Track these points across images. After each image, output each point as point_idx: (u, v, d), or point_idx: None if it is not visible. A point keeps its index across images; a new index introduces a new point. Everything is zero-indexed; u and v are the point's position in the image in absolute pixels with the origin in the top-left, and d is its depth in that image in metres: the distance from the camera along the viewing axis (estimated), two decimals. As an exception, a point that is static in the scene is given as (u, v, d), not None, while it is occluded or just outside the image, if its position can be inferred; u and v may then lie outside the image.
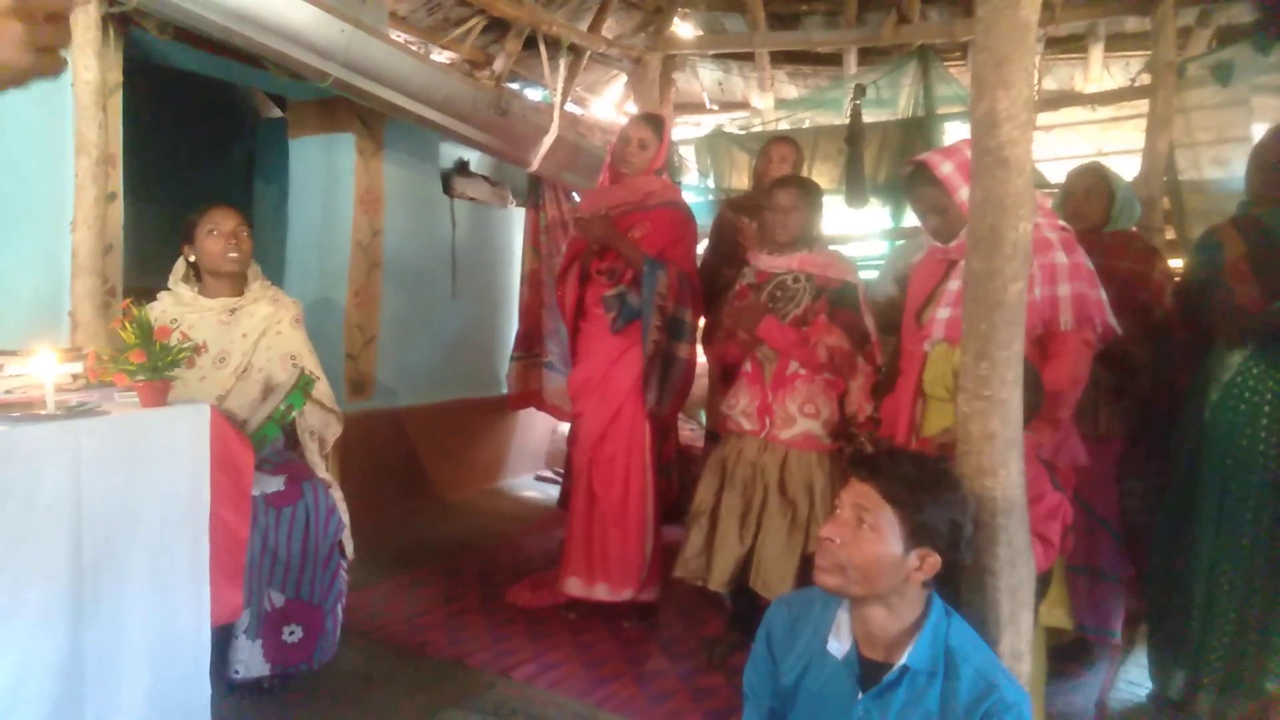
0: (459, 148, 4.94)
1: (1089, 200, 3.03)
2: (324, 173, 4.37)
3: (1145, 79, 4.15)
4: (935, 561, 1.59)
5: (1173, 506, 2.74)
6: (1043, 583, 2.16)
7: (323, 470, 2.70)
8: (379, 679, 2.80)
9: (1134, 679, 2.97)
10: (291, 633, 2.51)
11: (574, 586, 3.31)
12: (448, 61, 4.49)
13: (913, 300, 2.52)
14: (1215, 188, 3.95)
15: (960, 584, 1.91)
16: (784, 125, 5.19)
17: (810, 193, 3.05)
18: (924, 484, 1.59)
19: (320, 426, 2.75)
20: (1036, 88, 4.60)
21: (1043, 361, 2.32)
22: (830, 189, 4.88)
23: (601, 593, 3.28)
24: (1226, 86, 3.89)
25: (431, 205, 4.87)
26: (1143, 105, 4.05)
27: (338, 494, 2.68)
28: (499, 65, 4.45)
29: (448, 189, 4.97)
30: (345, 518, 2.68)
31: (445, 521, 4.66)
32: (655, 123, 3.44)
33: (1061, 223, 2.34)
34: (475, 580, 3.76)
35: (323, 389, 2.75)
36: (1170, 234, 4.05)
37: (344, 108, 4.16)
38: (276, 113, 5.21)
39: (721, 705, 2.69)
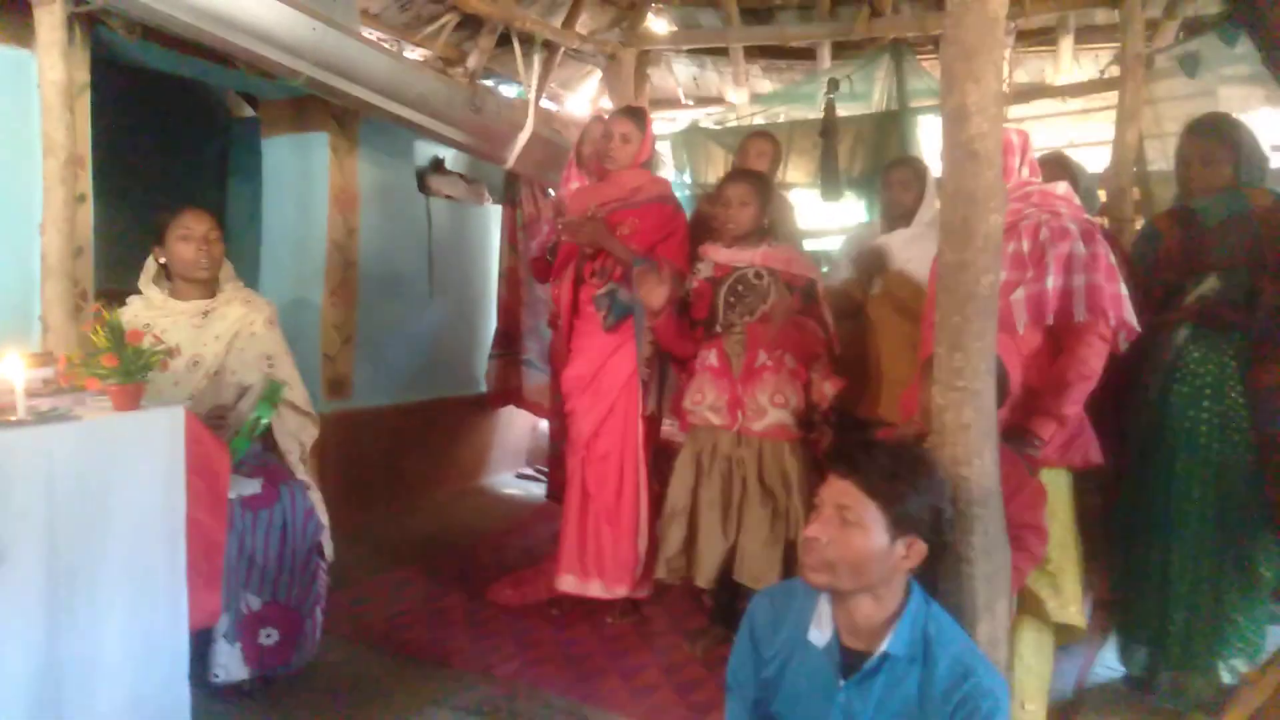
0: (434, 145, 4.92)
1: None
2: (298, 172, 4.34)
3: (1114, 71, 4.18)
4: (921, 548, 1.61)
5: (1127, 488, 2.80)
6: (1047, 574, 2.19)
7: (301, 472, 2.69)
8: (361, 679, 2.79)
9: (1110, 663, 3.01)
10: (270, 635, 2.50)
11: (568, 584, 3.30)
12: (421, 59, 4.46)
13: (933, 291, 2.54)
14: (1183, 178, 3.99)
15: (938, 572, 1.94)
16: (759, 120, 5.19)
17: (761, 186, 3.07)
18: (902, 473, 1.60)
19: (297, 429, 2.73)
20: (1007, 81, 4.65)
21: (1055, 354, 2.34)
22: (805, 183, 4.91)
23: (595, 590, 3.27)
24: (1194, 78, 3.93)
25: (407, 203, 4.84)
26: (1112, 97, 4.08)
27: (316, 495, 2.67)
28: (473, 62, 4.43)
29: (423, 187, 4.95)
30: (324, 519, 2.67)
31: (426, 521, 4.65)
32: (637, 115, 3.43)
33: (1089, 216, 2.35)
34: (457, 579, 3.75)
35: (299, 392, 2.73)
36: (1140, 224, 4.09)
37: (317, 106, 4.13)
38: (249, 112, 5.16)
39: (706, 698, 2.70)
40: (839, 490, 1.60)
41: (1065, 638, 2.41)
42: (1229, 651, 2.60)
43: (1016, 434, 2.27)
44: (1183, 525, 2.63)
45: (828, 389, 2.95)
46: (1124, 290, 2.29)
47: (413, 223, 4.88)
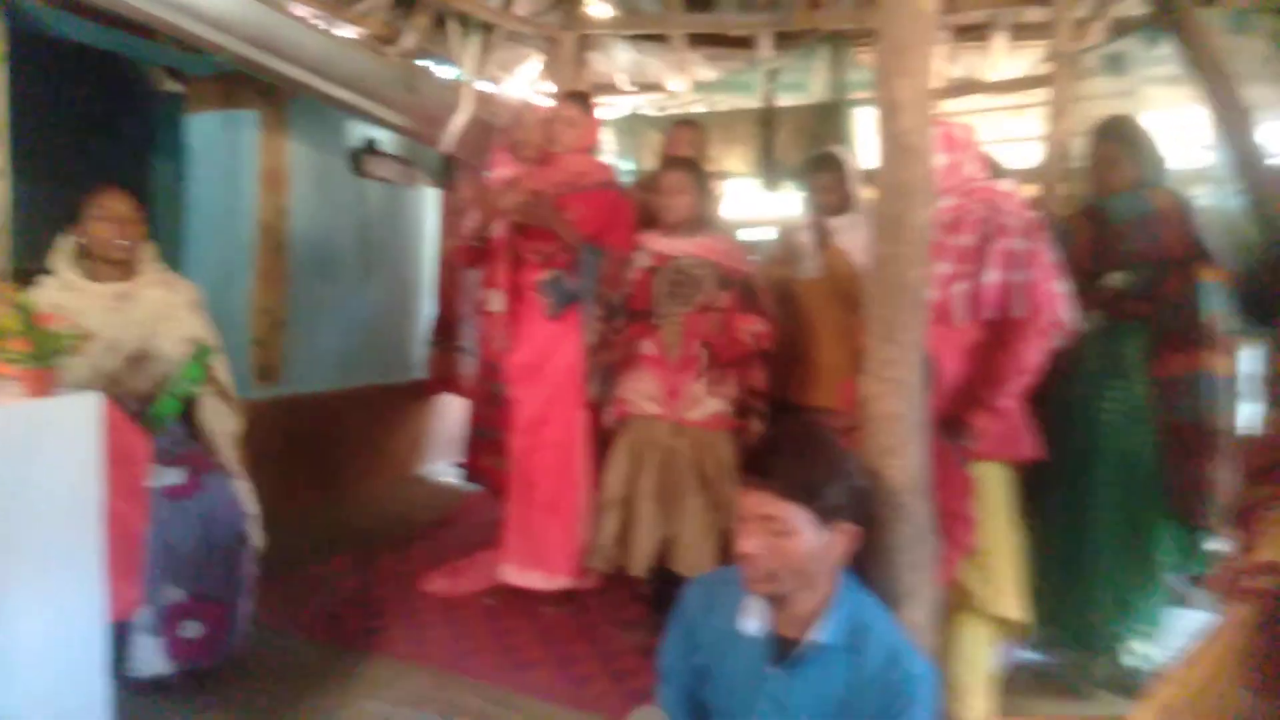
0: (368, 126, 4.81)
1: None
2: (225, 150, 4.21)
3: (1044, 68, 4.27)
4: (852, 529, 1.62)
5: (1042, 475, 2.89)
6: (972, 559, 2.23)
7: (226, 460, 2.61)
8: (291, 672, 2.73)
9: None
10: (193, 628, 2.43)
11: (509, 574, 3.27)
12: (354, 37, 4.35)
13: None
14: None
15: (867, 560, 1.96)
16: (700, 108, 5.19)
17: (697, 175, 3.07)
18: (816, 468, 1.59)
19: (222, 416, 2.65)
20: (943, 75, 4.73)
21: (993, 348, 2.38)
22: (745, 172, 4.93)
23: (536, 580, 3.25)
24: (1119, 77, 4.05)
25: (340, 185, 4.74)
26: (1044, 94, 4.17)
27: (242, 484, 2.61)
28: (408, 41, 4.33)
29: (357, 169, 4.85)
30: (251, 509, 2.60)
31: (360, 510, 4.58)
32: (584, 100, 3.40)
33: (1032, 212, 2.41)
34: (391, 569, 3.71)
35: (224, 374, 2.65)
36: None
37: (245, 83, 4.01)
38: (176, 87, 4.97)
39: (642, 686, 2.69)
40: (758, 501, 1.57)
41: (1009, 631, 2.45)
42: (1129, 633, 2.71)
43: (952, 424, 2.31)
44: (1088, 510, 2.74)
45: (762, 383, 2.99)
46: (1062, 288, 2.35)
47: (346, 205, 4.78)
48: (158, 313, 2.60)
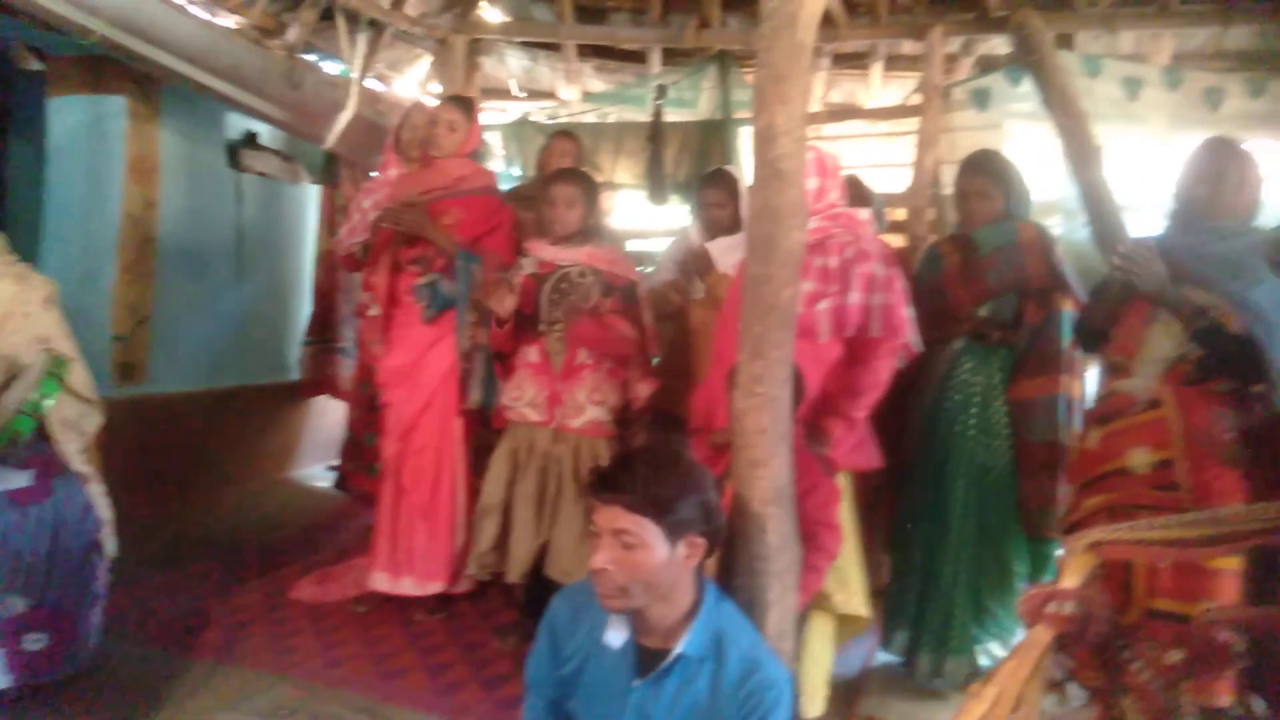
0: (248, 119, 4.65)
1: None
2: (89, 136, 4.01)
3: (917, 99, 4.50)
4: (700, 543, 1.66)
5: (903, 487, 3.05)
6: (835, 569, 2.34)
7: (79, 463, 2.48)
8: (142, 685, 2.61)
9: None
10: (37, 640, 2.29)
11: (380, 581, 3.22)
12: (235, 27, 4.21)
13: (734, 295, 2.65)
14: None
15: (731, 570, 2.04)
16: (590, 118, 5.24)
17: (588, 186, 3.11)
18: (666, 483, 1.63)
19: (76, 417, 2.52)
20: (822, 101, 4.91)
21: (850, 364, 2.51)
22: (633, 184, 4.99)
23: (407, 587, 3.20)
24: (984, 111, 4.30)
25: (215, 178, 4.57)
26: (915, 123, 4.39)
27: (97, 488, 2.48)
28: (293, 35, 4.22)
29: (234, 162, 4.68)
30: (105, 514, 2.48)
31: (228, 514, 4.42)
32: (466, 105, 3.39)
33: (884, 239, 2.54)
34: (258, 575, 3.60)
35: (80, 376, 2.53)
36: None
37: (114, 67, 3.83)
38: (38, 64, 4.70)
39: (512, 694, 2.68)
40: (611, 516, 1.60)
41: (851, 628, 2.58)
42: (984, 636, 2.89)
43: (810, 430, 2.42)
44: (947, 521, 2.90)
45: (642, 390, 3.05)
46: (911, 314, 2.51)
47: (221, 199, 4.61)
48: (9, 310, 2.45)
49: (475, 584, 3.30)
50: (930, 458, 2.96)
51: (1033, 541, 2.91)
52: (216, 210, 4.58)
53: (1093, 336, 2.60)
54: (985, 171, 2.99)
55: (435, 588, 3.21)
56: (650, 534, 1.59)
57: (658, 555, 1.59)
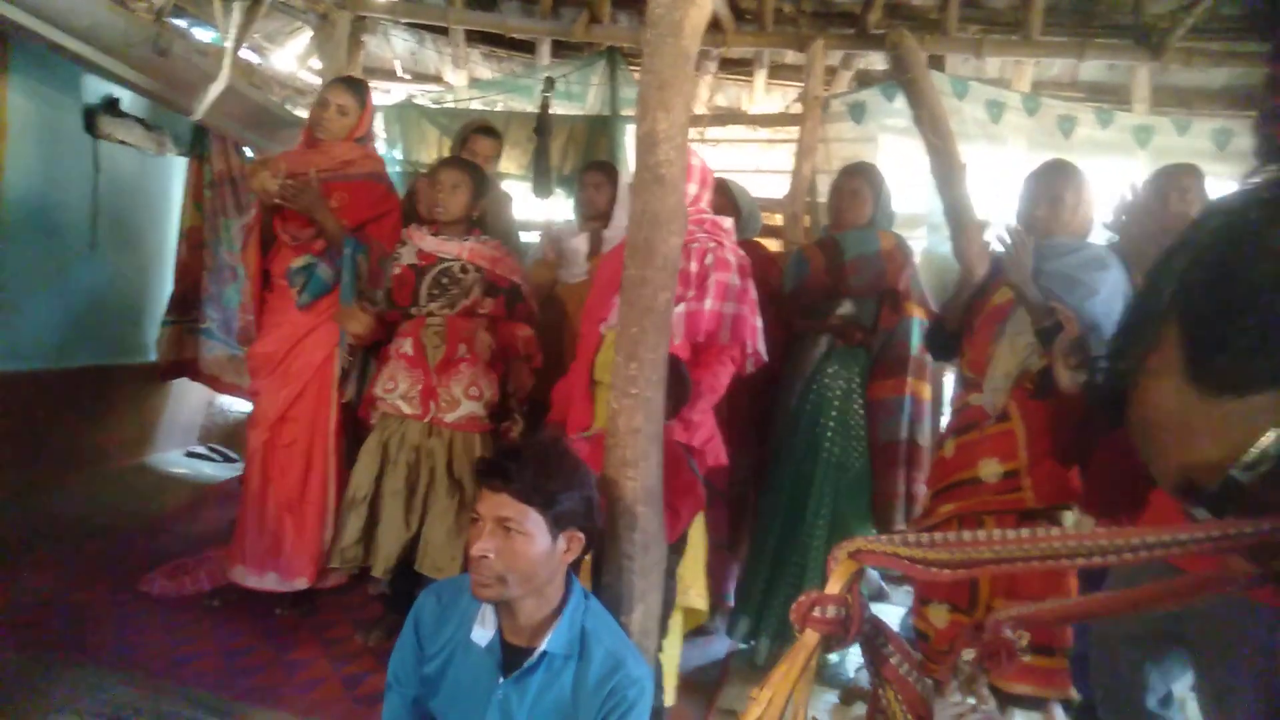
0: (109, 84, 4.38)
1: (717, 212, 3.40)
2: (-76, 93, 3.70)
3: (798, 108, 4.63)
4: (580, 538, 1.69)
5: (766, 479, 3.18)
6: (674, 551, 2.39)
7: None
8: (-29, 684, 2.46)
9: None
10: None
11: (242, 576, 3.10)
12: (97, -15, 3.96)
13: (596, 289, 2.68)
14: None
15: (599, 567, 2.07)
16: (476, 104, 5.17)
17: (476, 175, 3.09)
18: (553, 475, 1.66)
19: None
20: (707, 104, 5.00)
21: (692, 367, 2.56)
22: (518, 175, 4.96)
23: (271, 582, 3.10)
24: (860, 124, 4.47)
25: (70, 145, 4.29)
26: (794, 132, 4.52)
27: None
28: (161, -1, 4.00)
29: (92, 128, 4.40)
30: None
31: (75, 501, 4.15)
32: (358, 88, 3.29)
33: (750, 237, 2.60)
34: (105, 567, 3.40)
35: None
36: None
37: (-45, 19, 3.53)
38: None
39: (372, 690, 2.67)
40: (497, 504, 1.63)
41: (693, 621, 2.64)
42: None
43: None
44: (803, 515, 3.04)
45: (527, 382, 3.08)
46: (760, 323, 2.61)
47: (76, 167, 4.33)
48: None
49: (343, 579, 3.23)
50: (792, 455, 3.09)
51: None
52: (70, 178, 4.30)
53: (944, 341, 2.75)
54: (860, 176, 3.19)
55: (301, 584, 3.12)
56: (534, 524, 1.61)
57: (539, 546, 1.62)
